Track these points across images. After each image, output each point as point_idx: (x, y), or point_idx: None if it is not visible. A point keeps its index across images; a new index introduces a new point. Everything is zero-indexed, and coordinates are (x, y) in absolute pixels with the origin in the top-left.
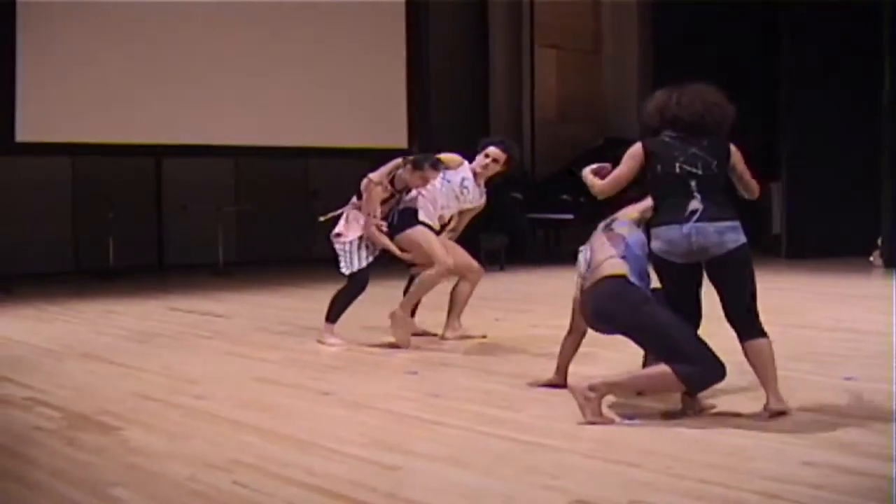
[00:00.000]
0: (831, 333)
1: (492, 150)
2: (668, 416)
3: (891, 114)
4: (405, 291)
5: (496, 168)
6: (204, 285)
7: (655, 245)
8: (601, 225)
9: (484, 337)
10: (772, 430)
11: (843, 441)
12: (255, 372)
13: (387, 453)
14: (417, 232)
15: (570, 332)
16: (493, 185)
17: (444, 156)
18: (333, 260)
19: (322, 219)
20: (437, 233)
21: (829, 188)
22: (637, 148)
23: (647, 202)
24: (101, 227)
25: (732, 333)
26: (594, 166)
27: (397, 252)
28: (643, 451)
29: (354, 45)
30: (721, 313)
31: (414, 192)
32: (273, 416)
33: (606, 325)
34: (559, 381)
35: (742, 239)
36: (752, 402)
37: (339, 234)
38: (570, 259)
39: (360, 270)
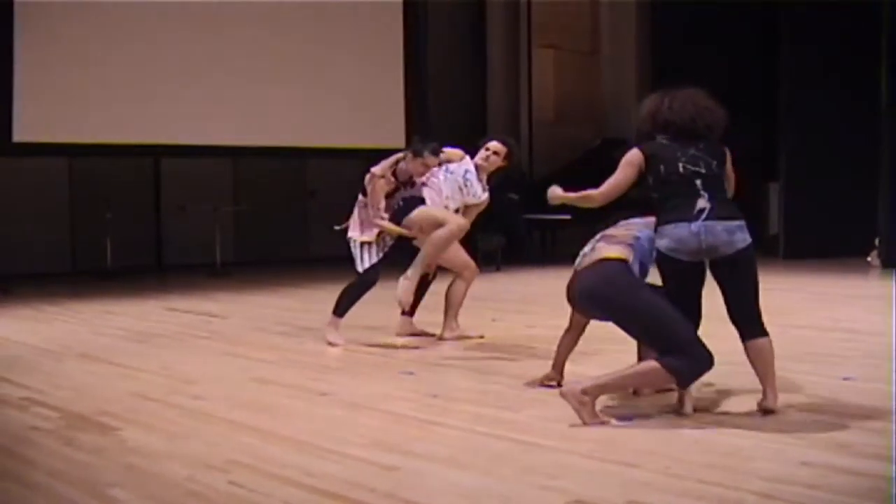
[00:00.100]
0: (829, 334)
1: (492, 143)
2: (667, 415)
3: (890, 114)
4: (414, 293)
5: (497, 161)
6: (202, 285)
7: (662, 243)
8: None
9: (481, 337)
10: (770, 430)
11: (841, 441)
12: (254, 372)
13: (385, 454)
14: (423, 207)
15: (568, 328)
16: (491, 186)
17: (446, 150)
18: (334, 260)
19: (337, 228)
20: None
21: (827, 189)
22: (634, 153)
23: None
24: (98, 228)
25: (731, 333)
26: (556, 187)
27: (408, 233)
28: (641, 451)
29: (352, 45)
30: (721, 313)
31: (419, 185)
32: (271, 417)
33: (595, 307)
34: (555, 377)
35: (749, 238)
36: (752, 403)
37: (350, 235)
38: (568, 260)
39: (370, 267)
